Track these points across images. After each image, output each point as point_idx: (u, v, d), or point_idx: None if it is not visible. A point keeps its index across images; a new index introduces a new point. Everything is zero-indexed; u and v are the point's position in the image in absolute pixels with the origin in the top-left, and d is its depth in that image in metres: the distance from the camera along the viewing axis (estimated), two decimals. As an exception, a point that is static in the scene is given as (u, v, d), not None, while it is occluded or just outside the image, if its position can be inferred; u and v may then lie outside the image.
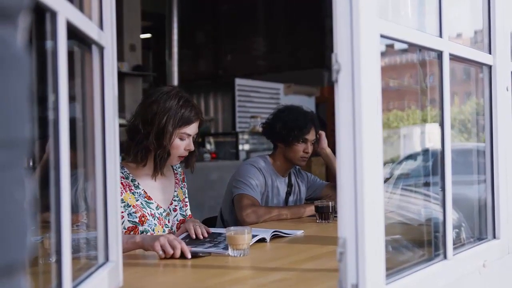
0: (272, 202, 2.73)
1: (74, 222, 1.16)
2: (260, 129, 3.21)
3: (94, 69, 1.21)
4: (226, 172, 4.74)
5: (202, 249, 1.77)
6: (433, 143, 1.63)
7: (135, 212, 2.01)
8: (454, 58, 1.43)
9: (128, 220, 1.99)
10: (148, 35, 9.72)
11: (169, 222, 2.12)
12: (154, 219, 2.05)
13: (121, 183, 2.00)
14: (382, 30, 1.11)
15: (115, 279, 1.25)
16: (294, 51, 8.96)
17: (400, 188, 1.87)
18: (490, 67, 1.65)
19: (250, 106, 7.42)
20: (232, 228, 1.77)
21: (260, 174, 2.67)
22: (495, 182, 1.65)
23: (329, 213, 2.42)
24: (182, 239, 1.90)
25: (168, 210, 2.13)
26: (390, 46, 1.33)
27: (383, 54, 1.12)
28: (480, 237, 1.66)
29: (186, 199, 2.27)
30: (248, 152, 6.71)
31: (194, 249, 1.78)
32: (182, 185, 2.26)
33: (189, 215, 2.26)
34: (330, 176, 3.18)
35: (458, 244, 1.51)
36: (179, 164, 2.21)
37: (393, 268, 1.19)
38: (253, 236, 1.85)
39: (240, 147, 6.72)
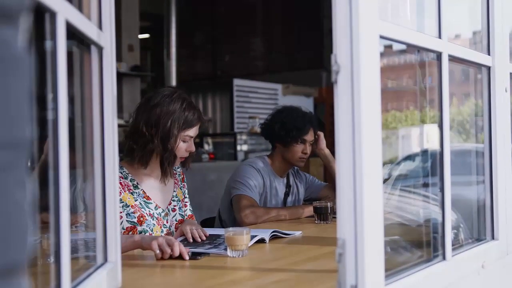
0: (271, 203, 2.73)
1: (73, 223, 1.16)
2: (259, 130, 3.22)
3: (93, 70, 1.21)
4: (224, 172, 4.74)
5: (203, 250, 1.77)
6: (432, 144, 1.63)
7: (133, 212, 2.01)
8: (453, 59, 1.43)
9: (127, 220, 1.99)
10: (146, 35, 9.72)
11: (167, 222, 2.12)
12: (153, 219, 2.05)
13: (120, 183, 2.00)
14: (381, 31, 1.11)
15: (114, 280, 1.24)
16: (292, 51, 8.96)
17: (398, 189, 1.87)
18: (489, 68, 1.66)
19: (248, 107, 7.41)
20: (230, 228, 1.77)
21: (258, 174, 2.67)
22: (494, 183, 1.65)
23: (328, 214, 2.42)
24: (180, 241, 1.89)
25: (167, 210, 2.13)
26: (388, 47, 1.33)
27: (381, 55, 1.12)
28: (479, 238, 1.67)
29: (186, 199, 2.27)
30: (246, 153, 6.70)
31: (194, 249, 1.78)
32: (182, 185, 2.26)
33: (189, 215, 2.26)
34: (328, 177, 3.17)
35: (457, 245, 1.51)
36: (178, 165, 2.22)
37: (392, 269, 1.19)
38: (252, 236, 1.85)
39: (238, 147, 6.71)
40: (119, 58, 6.78)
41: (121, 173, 2.05)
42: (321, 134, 2.83)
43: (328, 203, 2.44)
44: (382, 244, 1.09)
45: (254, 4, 9.24)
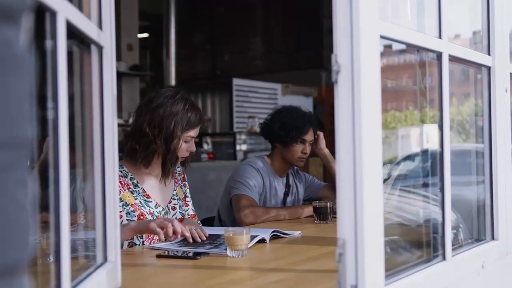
0: (270, 203, 2.73)
1: (72, 223, 1.16)
2: (258, 130, 3.22)
3: (93, 69, 1.21)
4: (224, 172, 4.74)
5: (203, 250, 1.77)
6: (431, 144, 1.63)
7: (133, 211, 2.02)
8: (453, 59, 1.43)
9: (127, 219, 2.00)
10: (145, 35, 9.71)
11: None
12: (153, 218, 2.06)
13: (120, 181, 2.01)
14: (382, 31, 1.11)
15: (114, 280, 1.24)
16: (291, 51, 8.96)
17: (398, 189, 1.87)
18: (489, 68, 1.66)
19: (248, 106, 7.41)
20: (230, 228, 1.77)
21: (258, 174, 2.67)
22: (493, 183, 1.65)
23: (327, 213, 2.42)
24: (179, 241, 1.90)
25: (167, 209, 2.14)
26: (387, 47, 1.33)
27: (381, 55, 1.12)
28: (478, 238, 1.67)
29: (188, 199, 2.28)
30: (246, 153, 6.70)
31: (194, 249, 1.78)
32: (182, 184, 2.27)
33: (192, 215, 2.27)
34: (328, 176, 3.18)
35: (457, 245, 1.51)
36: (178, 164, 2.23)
37: (392, 269, 1.19)
38: (252, 236, 1.85)
39: (238, 147, 6.71)
40: (118, 57, 6.77)
41: (121, 171, 2.05)
42: (321, 134, 2.83)
43: (328, 203, 2.44)
44: (382, 244, 1.09)
45: (254, 3, 9.24)
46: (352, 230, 1.03)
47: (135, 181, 2.08)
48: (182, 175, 2.29)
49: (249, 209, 2.50)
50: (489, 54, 1.65)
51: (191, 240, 1.88)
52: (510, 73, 1.75)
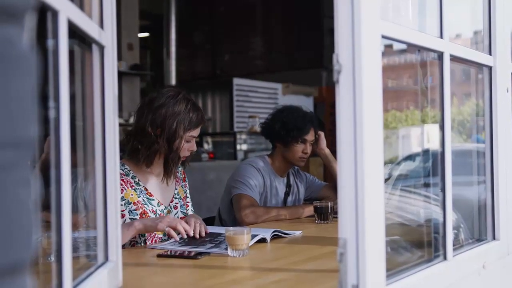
0: (271, 203, 2.73)
1: (75, 228, 1.16)
2: (258, 129, 3.22)
3: (94, 68, 1.21)
4: (224, 172, 4.74)
5: (204, 249, 1.77)
6: (432, 144, 1.63)
7: (135, 210, 2.03)
8: (454, 59, 1.43)
9: (129, 218, 2.01)
10: (146, 34, 9.71)
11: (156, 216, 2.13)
12: (155, 216, 2.07)
13: (122, 180, 2.02)
14: (383, 30, 1.11)
15: (115, 279, 1.24)
16: (292, 51, 8.96)
17: (399, 189, 1.87)
18: (490, 68, 1.66)
19: (248, 106, 7.41)
20: (231, 228, 1.77)
21: (258, 174, 2.67)
22: (495, 183, 1.65)
23: (328, 213, 2.42)
24: (180, 239, 1.90)
25: (169, 208, 2.15)
26: (388, 47, 1.32)
27: (382, 55, 1.11)
28: (480, 238, 1.66)
29: (188, 199, 2.29)
30: (246, 152, 6.70)
31: (195, 249, 1.78)
32: (183, 184, 2.28)
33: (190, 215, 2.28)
34: (329, 176, 3.17)
35: (458, 245, 1.51)
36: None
37: (393, 269, 1.19)
38: (253, 236, 1.85)
39: (238, 147, 6.71)
40: (118, 57, 6.75)
41: (123, 170, 2.06)
42: (322, 134, 2.83)
43: (329, 203, 2.44)
44: (383, 243, 1.09)
45: (254, 3, 9.24)
46: (353, 230, 1.03)
47: (137, 180, 2.09)
48: (183, 175, 2.31)
49: (250, 208, 2.50)
50: (490, 54, 1.65)
51: (191, 234, 1.92)
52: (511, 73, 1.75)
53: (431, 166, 1.64)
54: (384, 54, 1.17)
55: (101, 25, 1.21)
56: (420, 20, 1.63)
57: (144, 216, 2.03)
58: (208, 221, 2.86)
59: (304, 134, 2.69)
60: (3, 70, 0.49)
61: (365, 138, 1.03)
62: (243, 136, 6.83)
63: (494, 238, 1.65)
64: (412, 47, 1.44)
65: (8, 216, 0.49)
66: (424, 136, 1.79)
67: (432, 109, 1.62)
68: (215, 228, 2.17)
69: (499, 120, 1.65)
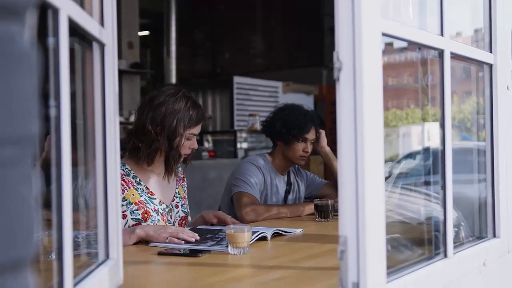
0: (271, 201, 2.73)
1: (75, 225, 1.16)
2: (259, 128, 3.22)
3: (94, 66, 1.21)
4: (224, 170, 4.74)
5: (204, 247, 1.77)
6: (433, 142, 1.63)
7: (137, 209, 2.03)
8: (455, 56, 1.43)
9: (131, 218, 2.01)
10: (146, 33, 9.71)
11: (171, 218, 2.14)
12: (158, 215, 2.07)
13: (123, 180, 2.02)
14: (383, 28, 1.11)
15: (116, 277, 1.24)
16: (292, 49, 8.96)
17: (399, 187, 1.87)
18: (491, 65, 1.66)
19: (249, 104, 7.41)
20: (232, 226, 1.77)
21: (259, 172, 2.67)
22: (495, 181, 1.65)
23: (329, 211, 2.42)
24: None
25: (171, 206, 2.16)
26: (389, 45, 1.32)
27: (382, 53, 1.11)
28: (480, 236, 1.67)
29: (185, 199, 2.29)
30: (247, 151, 6.70)
31: (195, 247, 1.78)
32: (183, 184, 2.29)
33: (183, 216, 2.28)
34: (329, 174, 3.18)
35: (458, 243, 1.51)
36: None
37: (394, 266, 1.19)
38: (253, 233, 1.85)
39: (238, 145, 6.71)
40: (119, 55, 6.75)
41: (123, 170, 2.06)
42: (323, 132, 2.83)
43: (329, 201, 2.44)
44: (383, 241, 1.09)
45: (254, 1, 9.23)
46: (354, 227, 1.03)
47: (137, 179, 2.09)
48: (183, 175, 2.31)
49: (250, 206, 2.50)
50: (490, 52, 1.65)
51: (197, 238, 1.90)
52: (512, 71, 1.75)
53: (432, 164, 1.64)
54: (384, 52, 1.17)
55: (102, 23, 1.21)
56: (420, 18, 1.63)
57: (146, 215, 2.03)
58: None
59: (305, 133, 2.69)
60: (5, 67, 0.49)
61: (365, 135, 1.03)
62: (244, 135, 6.83)
63: (494, 236, 1.65)
64: (413, 45, 1.44)
65: (9, 213, 0.49)
66: (424, 134, 1.79)
67: (432, 107, 1.62)
68: (215, 226, 2.17)
69: (499, 118, 1.65)
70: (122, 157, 2.15)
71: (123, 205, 2.00)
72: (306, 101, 6.91)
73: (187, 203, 2.30)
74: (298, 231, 2.14)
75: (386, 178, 1.79)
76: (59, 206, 0.88)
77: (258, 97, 7.53)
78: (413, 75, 1.78)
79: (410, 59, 1.68)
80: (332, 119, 6.52)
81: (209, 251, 1.74)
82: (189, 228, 2.05)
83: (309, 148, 2.72)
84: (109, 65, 1.23)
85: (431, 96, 1.65)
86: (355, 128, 1.03)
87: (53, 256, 1.00)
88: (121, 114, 6.27)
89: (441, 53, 1.38)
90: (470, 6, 1.92)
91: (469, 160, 1.85)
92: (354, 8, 1.03)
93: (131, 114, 6.39)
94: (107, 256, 1.23)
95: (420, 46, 1.46)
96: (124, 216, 2.00)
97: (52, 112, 0.88)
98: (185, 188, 2.30)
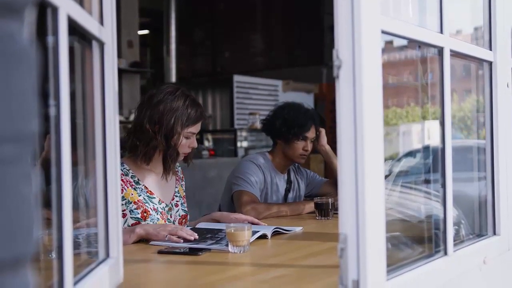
0: (271, 199, 2.73)
1: (75, 224, 1.16)
2: (259, 126, 3.22)
3: (94, 65, 1.20)
4: (225, 169, 4.74)
5: (204, 246, 1.77)
6: (433, 140, 1.63)
7: (136, 209, 2.03)
8: (454, 54, 1.43)
9: (131, 217, 2.01)
10: (146, 32, 9.71)
11: (171, 217, 2.14)
12: (157, 214, 2.07)
13: (122, 179, 2.02)
14: (383, 26, 1.11)
15: (116, 275, 1.25)
16: (292, 48, 8.95)
17: (399, 185, 1.87)
18: (490, 63, 1.65)
19: (249, 103, 7.41)
20: (232, 224, 1.77)
21: (259, 170, 2.67)
22: (495, 179, 1.65)
23: (329, 210, 2.42)
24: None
25: (170, 205, 2.15)
26: (389, 43, 1.32)
27: (382, 51, 1.11)
28: (480, 234, 1.67)
29: (185, 197, 2.29)
30: (247, 149, 6.70)
31: (195, 245, 1.78)
32: (182, 183, 2.29)
33: (183, 215, 2.28)
34: (329, 173, 3.18)
35: (458, 240, 1.51)
36: (178, 163, 2.24)
37: (394, 264, 1.19)
38: (254, 232, 1.86)
39: (239, 144, 6.71)
40: (118, 54, 6.74)
41: (122, 170, 2.06)
42: (323, 131, 2.83)
43: (329, 199, 2.44)
44: (383, 239, 1.09)
45: (254, 0, 9.23)
46: (354, 225, 1.03)
47: (136, 179, 2.08)
48: (182, 175, 2.31)
49: (251, 205, 2.50)
50: (490, 49, 1.65)
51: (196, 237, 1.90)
52: (512, 68, 1.74)
53: (432, 162, 1.64)
54: (384, 50, 1.16)
55: (101, 21, 1.21)
56: (420, 17, 1.63)
57: (145, 214, 2.03)
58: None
59: (305, 131, 2.69)
60: (4, 65, 0.49)
61: (365, 133, 1.03)
62: (244, 133, 6.83)
63: (494, 234, 1.65)
64: (413, 43, 1.44)
65: (8, 210, 0.49)
66: (424, 133, 1.79)
67: (432, 105, 1.62)
68: (216, 224, 2.17)
69: (499, 115, 1.65)
70: (121, 156, 2.15)
71: (122, 204, 2.00)
72: (306, 100, 6.90)
73: (185, 204, 2.30)
74: (298, 229, 2.14)
75: (386, 176, 1.80)
76: (59, 205, 0.88)
77: (258, 95, 7.53)
78: (413, 73, 1.78)
79: (410, 57, 1.68)
80: (332, 117, 6.51)
81: (209, 249, 1.74)
82: (189, 227, 2.05)
83: (309, 146, 2.72)
84: (108, 64, 1.23)
85: (431, 94, 1.65)
86: (355, 126, 1.03)
87: (53, 255, 1.00)
88: (121, 113, 6.27)
89: (440, 50, 1.38)
90: (470, 4, 1.92)
91: (469, 158, 1.85)
92: (354, 5, 1.03)
93: (131, 113, 6.39)
94: (107, 254, 1.23)
95: (419, 44, 1.46)
96: (123, 215, 2.00)
97: (52, 111, 0.88)
98: (184, 188, 2.30)
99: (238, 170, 2.66)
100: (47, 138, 0.91)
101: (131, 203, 2.02)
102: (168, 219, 2.12)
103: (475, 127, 1.87)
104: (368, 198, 1.03)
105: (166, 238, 1.83)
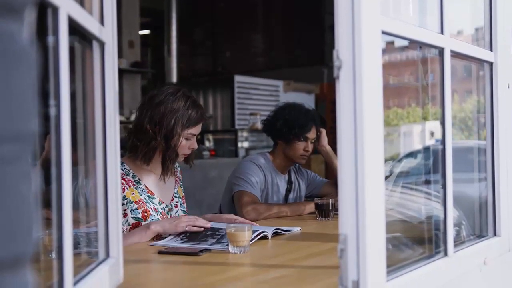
0: (272, 200, 2.73)
1: (75, 224, 1.16)
2: (260, 127, 3.22)
3: (94, 65, 1.20)
4: (225, 169, 4.74)
5: (205, 246, 1.77)
6: (433, 141, 1.63)
7: (137, 208, 2.03)
8: (455, 55, 1.43)
9: (132, 217, 2.01)
10: (146, 32, 9.71)
11: (171, 217, 2.14)
12: (157, 214, 2.07)
13: (123, 179, 2.02)
14: (383, 26, 1.11)
15: (116, 275, 1.25)
16: (293, 48, 8.95)
17: (400, 186, 1.87)
18: (491, 64, 1.65)
19: (249, 103, 7.42)
20: (232, 225, 1.77)
21: (260, 171, 2.67)
22: (495, 180, 1.65)
23: (329, 210, 2.42)
24: (181, 237, 1.90)
25: (170, 206, 2.16)
26: (390, 43, 1.32)
27: (382, 52, 1.11)
28: (480, 235, 1.66)
29: (184, 197, 2.30)
30: (247, 150, 6.71)
31: (196, 245, 1.78)
32: (181, 184, 2.29)
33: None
34: (330, 173, 3.18)
35: (459, 241, 1.51)
36: (177, 163, 2.24)
37: (394, 265, 1.19)
38: (254, 231, 1.85)
39: (239, 144, 6.71)
40: (119, 54, 6.77)
41: (123, 169, 2.06)
42: (323, 131, 2.83)
43: (330, 200, 2.44)
44: (383, 239, 1.09)
45: (255, 0, 9.23)
46: (354, 226, 1.03)
47: (137, 179, 2.09)
48: (180, 176, 2.31)
49: (251, 205, 2.50)
50: (491, 50, 1.65)
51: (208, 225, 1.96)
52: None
53: (432, 163, 1.64)
54: (385, 51, 1.16)
55: (102, 21, 1.21)
56: (420, 17, 1.63)
57: (146, 214, 2.03)
58: (209, 218, 2.86)
59: (306, 132, 2.69)
60: (4, 65, 0.49)
61: (365, 134, 1.03)
62: (244, 134, 6.83)
63: (495, 234, 1.65)
64: (413, 44, 1.44)
65: (8, 210, 0.49)
66: (425, 133, 1.79)
67: (433, 106, 1.62)
68: (216, 224, 2.17)
69: (500, 116, 1.65)
70: (122, 156, 2.15)
71: (123, 204, 2.00)
72: (307, 100, 6.90)
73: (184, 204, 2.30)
74: (297, 229, 2.14)
75: (387, 177, 1.80)
76: (59, 205, 0.88)
77: (259, 96, 7.53)
78: (414, 73, 1.78)
79: (411, 58, 1.67)
80: (333, 118, 6.51)
81: (209, 250, 1.74)
82: None
83: (310, 147, 2.72)
84: (109, 64, 1.23)
85: (432, 95, 1.65)
86: (355, 127, 1.03)
87: (53, 255, 1.00)
88: (121, 113, 6.27)
89: (441, 51, 1.37)
90: (470, 5, 1.91)
91: (470, 159, 1.85)
92: (354, 6, 1.03)
93: (131, 113, 6.40)
94: (107, 254, 1.23)
95: (420, 44, 1.46)
96: (124, 215, 2.00)
97: (52, 111, 0.88)
98: (182, 189, 2.31)
99: (239, 171, 2.66)
100: (48, 138, 0.91)
101: (132, 202, 2.03)
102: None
103: (475, 128, 1.86)
104: (368, 198, 1.03)
105: (186, 228, 1.87)
